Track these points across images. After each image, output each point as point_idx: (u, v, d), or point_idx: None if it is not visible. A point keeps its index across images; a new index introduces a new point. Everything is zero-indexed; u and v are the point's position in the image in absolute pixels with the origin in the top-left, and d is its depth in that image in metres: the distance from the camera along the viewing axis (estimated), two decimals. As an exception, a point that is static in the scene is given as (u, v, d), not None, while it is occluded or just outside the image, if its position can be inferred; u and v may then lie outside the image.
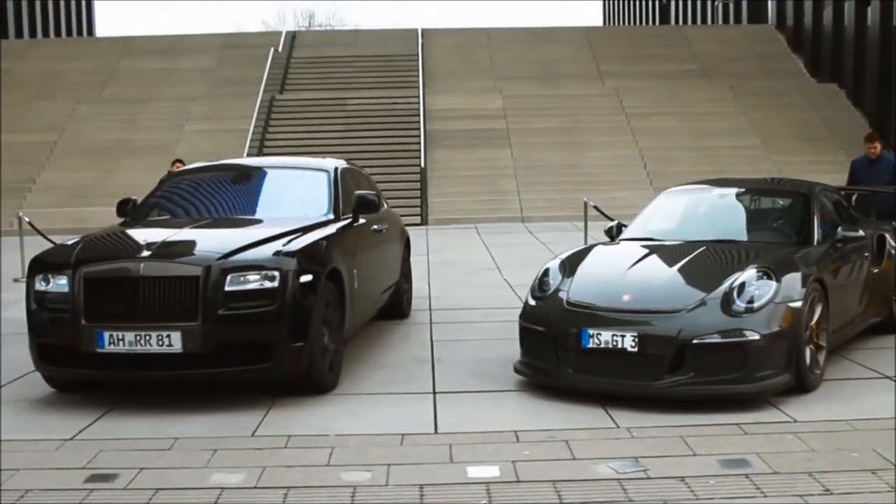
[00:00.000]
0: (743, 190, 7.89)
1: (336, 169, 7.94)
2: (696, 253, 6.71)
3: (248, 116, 23.83)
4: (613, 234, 7.78)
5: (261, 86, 25.02)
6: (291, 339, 6.00)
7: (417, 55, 27.77)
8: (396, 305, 9.03)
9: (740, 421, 5.63)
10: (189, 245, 6.25)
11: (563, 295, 6.45)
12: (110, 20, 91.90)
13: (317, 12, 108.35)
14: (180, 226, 6.81)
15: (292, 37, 28.91)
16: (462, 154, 22.72)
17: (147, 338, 5.78)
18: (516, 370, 6.63)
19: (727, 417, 5.69)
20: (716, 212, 7.76)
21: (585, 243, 13.96)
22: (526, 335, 6.55)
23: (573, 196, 20.70)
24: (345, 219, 7.40)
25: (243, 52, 28.04)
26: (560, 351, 6.20)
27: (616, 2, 57.39)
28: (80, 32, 43.04)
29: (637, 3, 50.96)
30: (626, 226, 7.92)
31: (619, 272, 6.58)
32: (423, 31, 28.74)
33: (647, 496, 4.50)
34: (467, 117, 23.97)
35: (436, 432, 5.56)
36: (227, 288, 5.85)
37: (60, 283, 6.02)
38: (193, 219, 7.14)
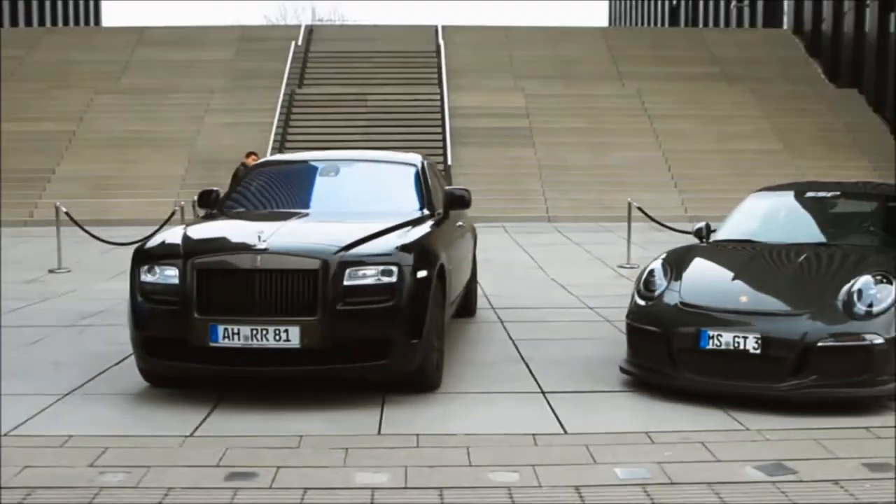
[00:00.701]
0: (835, 193, 7.81)
1: (422, 164, 7.84)
2: (804, 256, 6.63)
3: (268, 109, 23.68)
4: (703, 235, 7.69)
5: (280, 79, 24.92)
6: (408, 336, 5.88)
7: (436, 52, 27.69)
8: (467, 303, 8.94)
9: (867, 425, 5.55)
10: (302, 238, 6.12)
11: (674, 295, 6.35)
12: (107, 14, 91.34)
13: (318, 8, 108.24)
14: (282, 218, 6.68)
15: (309, 31, 28.74)
16: (486, 152, 22.62)
17: (264, 332, 5.64)
18: (623, 370, 6.53)
19: (852, 421, 5.62)
20: (808, 215, 7.68)
21: (629, 245, 13.94)
22: (636, 335, 6.45)
23: (598, 197, 20.69)
24: (437, 215, 7.28)
25: (261, 44, 27.88)
26: (675, 352, 6.10)
27: (623, 2, 57.38)
28: (87, 23, 42.74)
29: (646, 3, 50.96)
30: (712, 227, 7.82)
31: (730, 273, 6.51)
32: (443, 27, 28.59)
33: (804, 499, 4.41)
34: (490, 115, 23.88)
35: (565, 433, 5.45)
36: (345, 282, 5.73)
37: (169, 275, 5.88)
38: (292, 212, 7.00)
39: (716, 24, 37.71)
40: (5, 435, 5.34)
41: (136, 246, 6.30)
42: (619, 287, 11.03)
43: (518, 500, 4.40)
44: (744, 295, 6.16)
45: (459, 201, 7.49)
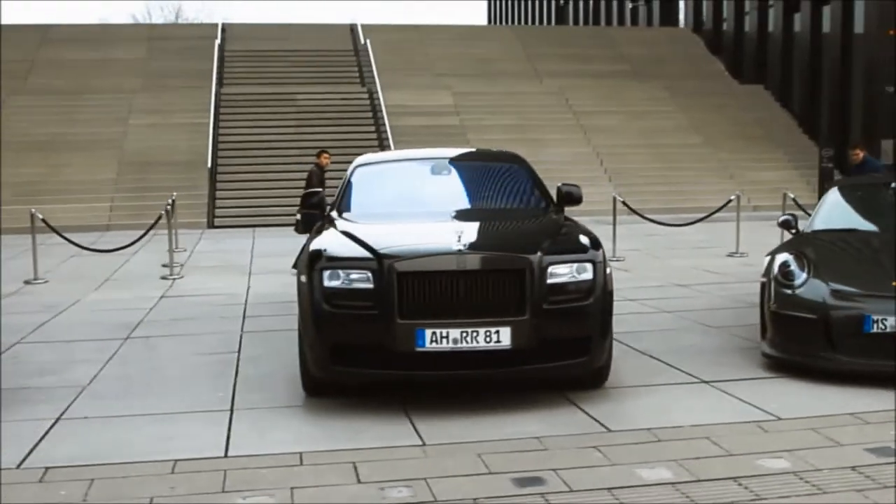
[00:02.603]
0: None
1: (526, 161, 7.87)
2: None
3: (196, 110, 23.00)
4: (792, 226, 8.02)
5: (201, 78, 24.24)
6: (602, 333, 5.94)
7: (353, 51, 27.49)
8: None
9: None
10: (495, 238, 6.06)
11: (821, 283, 6.60)
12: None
13: (184, 8, 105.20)
14: (431, 218, 6.60)
15: (222, 29, 28.00)
16: (422, 150, 22.59)
17: (474, 334, 5.56)
18: (768, 356, 6.75)
19: None
20: (886, 207, 8.12)
21: (614, 238, 14.24)
22: (784, 322, 6.67)
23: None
24: (555, 210, 7.32)
25: (173, 43, 27.01)
26: (836, 336, 6.34)
27: (502, 1, 58.15)
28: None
29: (526, 3, 51.81)
30: (792, 217, 8.16)
31: (866, 260, 6.82)
32: (356, 26, 28.37)
33: None
34: (420, 114, 23.87)
35: (779, 419, 5.60)
36: (548, 281, 5.72)
37: (360, 279, 5.72)
38: (432, 212, 6.90)
39: (608, 22, 38.73)
40: (225, 457, 5.09)
41: (310, 252, 6.07)
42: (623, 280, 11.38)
43: (810, 481, 4.52)
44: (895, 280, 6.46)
45: (573, 197, 7.53)
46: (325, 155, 14.68)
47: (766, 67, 26.92)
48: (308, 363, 5.95)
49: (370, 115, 23.76)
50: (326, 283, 5.77)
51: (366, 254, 5.81)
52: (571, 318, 5.79)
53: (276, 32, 28.67)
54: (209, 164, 20.52)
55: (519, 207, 7.18)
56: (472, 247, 5.76)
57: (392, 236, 6.19)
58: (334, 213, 7.17)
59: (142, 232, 14.19)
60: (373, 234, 6.19)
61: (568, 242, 6.07)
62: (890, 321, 6.21)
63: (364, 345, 5.71)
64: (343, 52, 27.51)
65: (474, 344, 5.57)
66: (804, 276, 6.75)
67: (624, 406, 5.93)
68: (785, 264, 6.93)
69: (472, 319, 5.57)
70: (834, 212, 8.02)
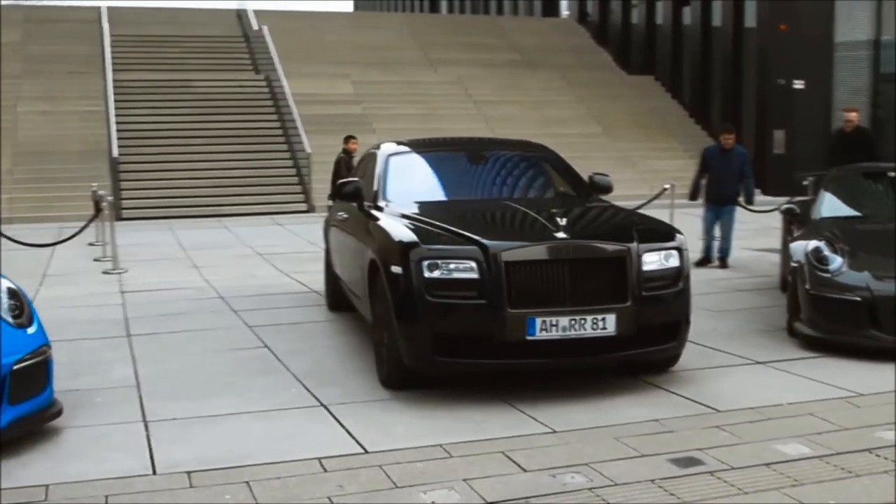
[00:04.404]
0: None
1: (552, 150, 8.07)
2: None
3: (88, 98, 22.17)
4: (797, 213, 8.52)
5: (88, 64, 23.34)
6: (687, 318, 6.19)
7: (243, 37, 26.99)
8: None
9: None
10: (584, 227, 6.20)
11: (859, 266, 7.06)
12: None
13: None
14: (499, 208, 6.70)
15: (105, 12, 26.89)
16: (329, 139, 22.33)
17: (582, 321, 5.71)
18: (806, 336, 7.17)
19: None
20: (882, 193, 8.75)
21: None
22: (825, 303, 7.09)
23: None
24: (596, 198, 7.54)
25: (53, 27, 25.80)
26: (881, 316, 6.81)
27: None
28: None
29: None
30: (795, 205, 8.68)
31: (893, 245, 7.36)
32: (245, 12, 27.80)
33: None
34: (322, 102, 23.67)
35: (860, 394, 5.99)
36: (644, 268, 5.92)
37: (464, 269, 5.76)
38: (487, 200, 7.01)
39: (486, 11, 39.23)
40: (366, 453, 5.08)
41: (395, 242, 6.03)
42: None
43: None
44: (928, 263, 6.99)
45: (604, 186, 7.74)
46: (354, 141, 14.49)
47: (654, 59, 27.92)
48: (402, 355, 5.94)
49: (270, 103, 23.41)
50: (427, 274, 5.78)
51: (468, 244, 5.85)
52: (664, 304, 6.02)
53: (163, 16, 27.81)
54: (114, 154, 19.76)
55: (566, 195, 7.36)
56: (574, 235, 5.90)
57: (478, 225, 6.24)
58: (382, 203, 7.13)
59: (48, 224, 13.67)
60: (455, 223, 6.22)
61: (655, 230, 6.29)
62: (934, 300, 6.72)
63: (470, 335, 5.76)
64: (233, 38, 26.97)
65: (582, 331, 5.72)
66: (840, 259, 7.20)
67: (710, 388, 6.20)
68: (818, 250, 7.37)
69: (579, 307, 5.71)
70: (839, 199, 8.54)
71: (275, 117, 22.92)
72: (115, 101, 21.79)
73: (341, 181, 7.54)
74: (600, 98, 26.05)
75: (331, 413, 5.79)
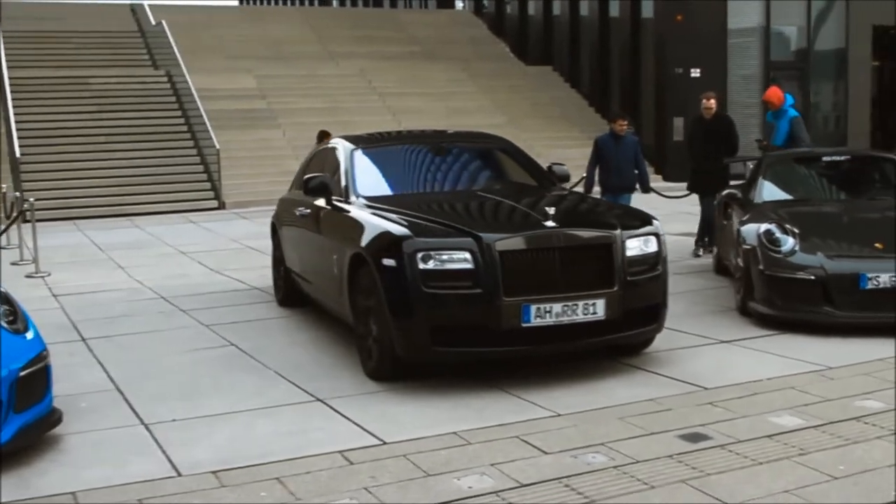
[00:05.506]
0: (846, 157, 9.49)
1: (510, 141, 8.28)
2: (863, 211, 8.19)
3: (-19, 96, 21.26)
4: (738, 197, 8.95)
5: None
6: (665, 301, 6.45)
7: (139, 32, 26.38)
8: None
9: None
10: (568, 215, 6.38)
11: (812, 247, 7.46)
12: None
13: None
14: (474, 199, 6.85)
15: (-12, 7, 25.87)
16: (236, 135, 22.12)
17: (574, 307, 5.91)
18: (762, 314, 7.52)
19: None
20: (815, 177, 9.24)
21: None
22: (780, 283, 7.47)
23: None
24: (560, 188, 7.76)
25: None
26: (834, 294, 7.22)
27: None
28: None
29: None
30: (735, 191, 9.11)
31: (839, 224, 7.80)
32: (141, 6, 27.15)
33: None
34: (227, 97, 23.30)
35: (829, 367, 6.37)
36: (627, 253, 6.15)
37: (458, 259, 5.88)
38: (457, 192, 7.15)
39: (378, 4, 39.21)
40: (385, 444, 5.16)
41: (396, 236, 6.08)
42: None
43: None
44: (879, 242, 7.42)
45: (564, 176, 7.96)
46: (327, 133, 14.32)
47: (552, 50, 28.43)
48: (396, 347, 6.02)
49: (173, 99, 22.94)
50: (422, 266, 5.87)
51: (461, 235, 5.97)
52: (646, 288, 6.28)
53: (51, 11, 26.90)
54: (17, 155, 19.08)
55: (533, 185, 7.55)
56: (562, 224, 6.08)
57: (466, 217, 6.37)
58: (353, 198, 7.17)
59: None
60: (441, 215, 6.34)
61: (633, 216, 6.52)
62: (883, 278, 7.15)
63: (466, 324, 5.88)
64: (129, 33, 26.30)
65: (573, 317, 5.92)
66: (791, 240, 7.58)
67: (688, 367, 6.49)
68: (770, 232, 7.74)
69: (570, 293, 5.91)
70: (777, 184, 8.96)
71: (178, 113, 22.49)
72: (13, 99, 21.03)
73: (310, 176, 7.53)
74: (502, 89, 26.38)
75: (331, 407, 5.84)
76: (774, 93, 11.52)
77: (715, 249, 10.32)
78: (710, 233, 11.20)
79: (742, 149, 12.59)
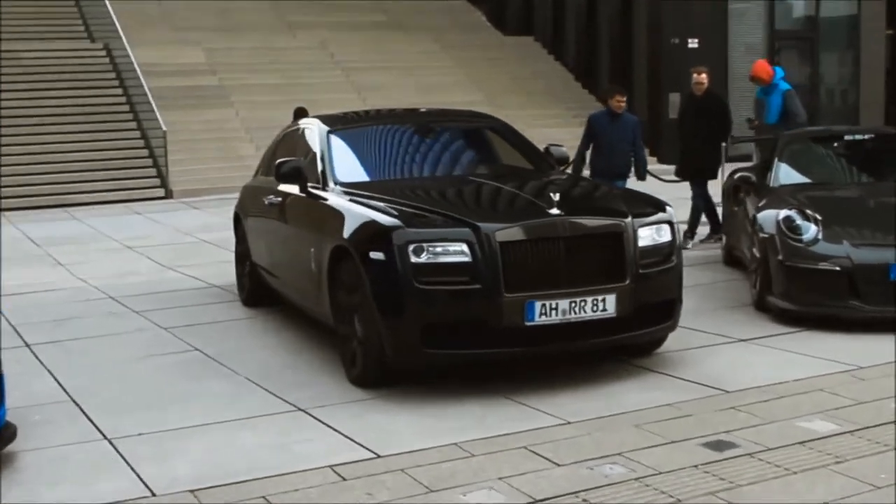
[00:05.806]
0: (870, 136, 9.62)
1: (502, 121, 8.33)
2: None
3: None
4: (752, 181, 9.03)
5: None
6: (680, 296, 6.50)
7: (73, 1, 26.14)
8: None
9: None
10: (574, 202, 6.41)
11: (836, 235, 7.55)
12: None
13: None
14: (467, 183, 6.88)
15: None
16: (184, 115, 21.99)
17: (582, 304, 5.94)
18: (782, 309, 7.62)
19: None
20: (835, 158, 9.35)
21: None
22: (802, 275, 7.54)
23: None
24: (560, 171, 7.82)
25: None
26: (862, 285, 7.31)
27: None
28: None
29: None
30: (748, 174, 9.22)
31: (864, 209, 7.91)
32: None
33: None
34: (173, 73, 23.14)
35: (859, 367, 6.45)
36: (640, 244, 6.18)
37: (453, 251, 5.89)
38: (452, 177, 7.18)
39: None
40: (379, 457, 5.18)
41: (384, 226, 6.07)
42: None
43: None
44: (900, 229, 7.54)
45: (562, 158, 8.01)
46: (302, 111, 14.26)
47: (533, 18, 28.49)
48: (385, 348, 6.02)
49: (113, 75, 22.79)
50: (413, 259, 5.87)
51: (457, 225, 5.97)
52: (660, 282, 6.32)
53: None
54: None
55: (530, 169, 7.58)
56: (568, 212, 6.10)
57: (461, 205, 6.38)
58: (332, 185, 7.15)
59: None
60: (434, 203, 6.35)
61: (644, 202, 6.57)
62: (914, 268, 7.27)
63: (462, 323, 5.89)
64: (60, 2, 26.03)
65: (582, 314, 5.95)
66: (813, 228, 7.66)
67: (705, 369, 6.55)
68: (790, 219, 7.81)
69: (577, 288, 5.93)
70: (795, 166, 9.05)
71: (119, 91, 22.33)
72: (-69, 76, 20.81)
73: (283, 160, 7.49)
74: (479, 62, 26.39)
75: (315, 417, 5.85)
76: (762, 67, 11.54)
77: (724, 239, 10.40)
78: (712, 221, 11.28)
79: (735, 129, 12.61)
